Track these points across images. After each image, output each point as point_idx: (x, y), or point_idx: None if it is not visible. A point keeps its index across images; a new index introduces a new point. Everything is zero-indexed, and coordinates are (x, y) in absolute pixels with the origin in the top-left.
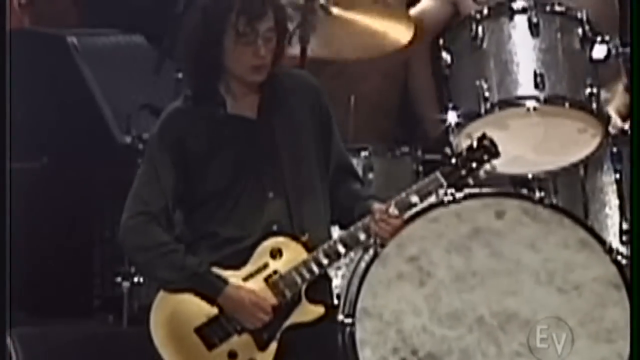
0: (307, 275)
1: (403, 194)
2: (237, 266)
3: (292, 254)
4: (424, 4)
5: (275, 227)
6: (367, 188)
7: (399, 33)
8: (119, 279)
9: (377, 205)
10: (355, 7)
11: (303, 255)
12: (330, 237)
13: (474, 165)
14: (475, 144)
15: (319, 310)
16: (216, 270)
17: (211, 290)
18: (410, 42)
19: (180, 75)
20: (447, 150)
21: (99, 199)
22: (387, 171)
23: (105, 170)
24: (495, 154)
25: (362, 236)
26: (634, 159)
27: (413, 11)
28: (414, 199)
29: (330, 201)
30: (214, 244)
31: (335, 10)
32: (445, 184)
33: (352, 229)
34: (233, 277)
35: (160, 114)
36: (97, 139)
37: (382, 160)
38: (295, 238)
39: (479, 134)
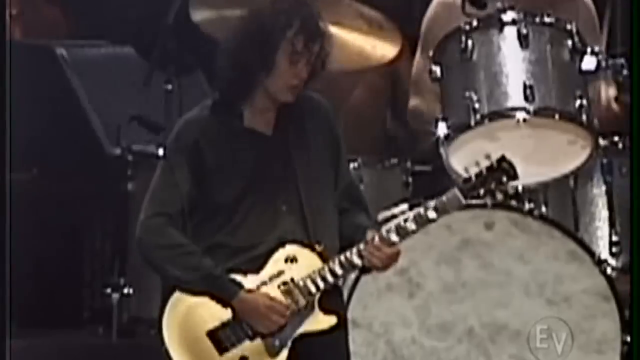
0: (322, 285)
1: (421, 209)
2: (251, 273)
3: (308, 262)
4: (419, 62)
5: (290, 236)
6: (369, 219)
7: (384, 49)
8: (108, 291)
9: (371, 233)
10: (341, 23)
11: (318, 264)
12: (339, 251)
13: (493, 185)
14: (495, 165)
15: (331, 320)
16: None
17: (226, 293)
18: (398, 57)
19: (169, 87)
20: (467, 170)
21: (88, 210)
22: (377, 182)
23: (94, 182)
24: (514, 176)
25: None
26: (634, 163)
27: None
28: (432, 214)
29: None
30: (225, 253)
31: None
32: (464, 202)
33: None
34: (247, 282)
35: (149, 125)
36: (86, 151)
37: (371, 171)
38: (311, 247)
39: (498, 155)
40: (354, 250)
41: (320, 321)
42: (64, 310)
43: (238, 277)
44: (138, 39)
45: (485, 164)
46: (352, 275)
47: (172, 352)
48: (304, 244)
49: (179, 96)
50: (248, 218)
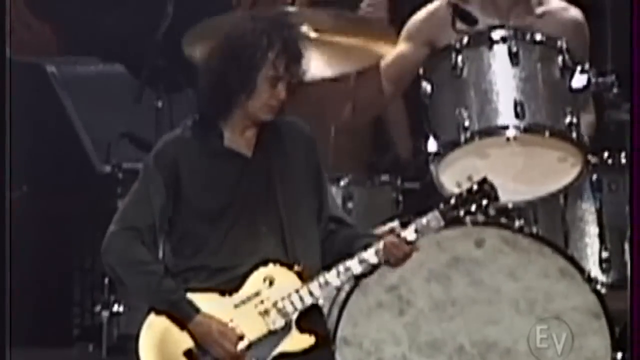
0: (299, 305)
1: (401, 231)
2: (229, 292)
3: (285, 282)
4: (400, 48)
5: (270, 257)
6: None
7: (380, 47)
8: (98, 308)
9: (387, 228)
10: (334, 30)
11: (296, 284)
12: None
13: (473, 207)
14: (475, 187)
15: (310, 340)
16: (208, 295)
17: (182, 316)
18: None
19: (159, 104)
20: (449, 191)
21: (78, 227)
22: (367, 200)
23: (84, 199)
24: (495, 198)
25: (358, 269)
26: (633, 176)
27: (390, 56)
28: (411, 236)
29: (324, 249)
30: (205, 273)
31: (313, 35)
32: (443, 223)
33: (347, 261)
34: (224, 303)
35: (139, 143)
36: (76, 168)
37: (361, 189)
38: (289, 267)
39: (479, 177)
40: (333, 271)
41: (298, 341)
42: (54, 328)
43: (215, 298)
44: (128, 57)
45: (466, 185)
46: (342, 293)
47: None
48: (282, 264)
49: (169, 113)
50: (227, 239)
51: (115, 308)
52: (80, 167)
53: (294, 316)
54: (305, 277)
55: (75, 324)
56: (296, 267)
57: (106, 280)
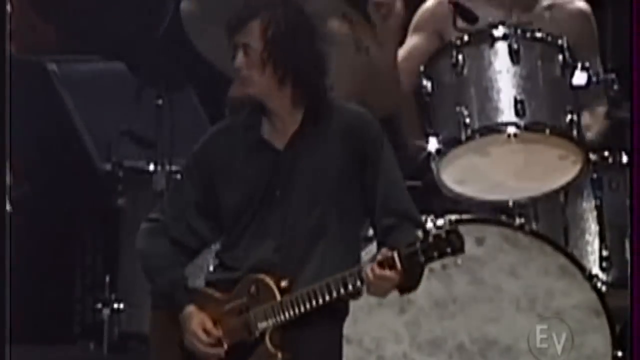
0: (271, 320)
1: (365, 267)
2: (223, 293)
3: (267, 295)
4: (412, 41)
5: (265, 265)
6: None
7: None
8: (99, 306)
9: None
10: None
11: (276, 299)
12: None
13: (435, 254)
14: (443, 235)
15: (277, 356)
16: (211, 290)
17: (173, 307)
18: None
19: (160, 102)
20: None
21: (79, 225)
22: None
23: (85, 197)
24: (460, 250)
25: (329, 295)
26: (633, 174)
27: (401, 50)
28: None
29: (383, 246)
30: (221, 267)
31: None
32: (399, 267)
33: (317, 287)
34: (218, 303)
35: (140, 140)
36: (77, 166)
37: None
38: (276, 280)
39: (448, 227)
40: (308, 291)
41: (266, 356)
42: (55, 326)
43: (214, 294)
44: (129, 55)
45: (434, 231)
46: None
47: (151, 356)
48: (271, 276)
49: (169, 111)
50: (243, 238)
51: (117, 306)
52: (81, 164)
53: (269, 330)
54: (287, 292)
55: (76, 322)
56: (282, 283)
57: (107, 278)
